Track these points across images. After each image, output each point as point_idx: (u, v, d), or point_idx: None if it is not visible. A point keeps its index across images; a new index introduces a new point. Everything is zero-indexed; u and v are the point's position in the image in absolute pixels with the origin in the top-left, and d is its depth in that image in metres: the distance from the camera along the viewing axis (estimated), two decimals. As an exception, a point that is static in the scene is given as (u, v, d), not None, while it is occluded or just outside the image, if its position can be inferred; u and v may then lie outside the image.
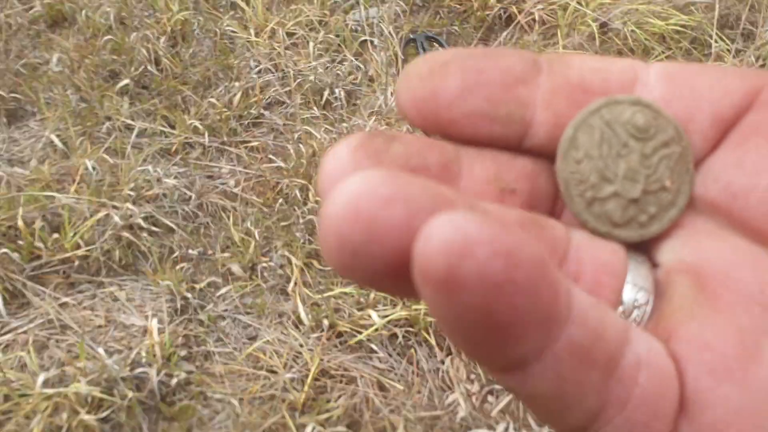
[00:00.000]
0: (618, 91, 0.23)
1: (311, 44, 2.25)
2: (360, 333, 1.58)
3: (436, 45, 2.33)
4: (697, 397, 0.19)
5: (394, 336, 1.60)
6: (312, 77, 2.12)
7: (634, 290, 0.21)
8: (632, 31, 2.24)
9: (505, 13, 2.40)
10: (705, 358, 0.19)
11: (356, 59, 2.23)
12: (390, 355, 1.58)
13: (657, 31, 2.25)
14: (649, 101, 0.23)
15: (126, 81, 2.14)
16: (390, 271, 0.16)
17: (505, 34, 2.30)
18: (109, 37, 2.27)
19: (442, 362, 1.58)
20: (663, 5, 2.30)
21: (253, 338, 1.61)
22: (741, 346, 0.20)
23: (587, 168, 0.22)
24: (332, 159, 0.19)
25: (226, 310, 1.66)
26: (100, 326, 1.63)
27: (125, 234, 1.74)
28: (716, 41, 2.18)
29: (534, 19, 2.34)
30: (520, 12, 2.35)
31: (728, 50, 2.18)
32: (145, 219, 1.79)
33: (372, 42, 2.28)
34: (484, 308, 0.15)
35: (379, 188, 0.15)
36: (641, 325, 0.21)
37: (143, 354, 1.54)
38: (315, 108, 2.07)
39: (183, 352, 1.59)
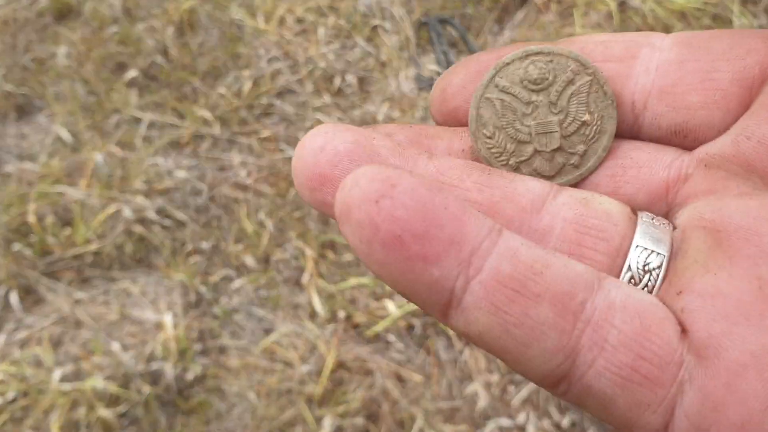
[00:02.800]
0: (620, 58, 0.23)
1: (321, 30, 2.22)
2: (376, 324, 1.56)
3: (450, 28, 2.29)
4: (710, 342, 0.19)
5: (412, 327, 1.58)
6: (323, 64, 2.09)
7: (645, 253, 0.21)
8: (651, 9, 2.18)
9: (518, -7, 2.35)
10: (717, 305, 0.19)
11: (367, 44, 2.20)
12: (407, 347, 1.57)
13: (677, 8, 2.19)
14: (538, 47, 0.23)
15: (134, 72, 2.12)
16: (311, 181, 0.20)
17: (519, 15, 2.25)
18: (116, 28, 2.25)
19: (461, 353, 1.56)
20: (682, -19, 2.24)
21: (268, 331, 1.60)
22: (759, 292, 0.19)
23: (500, 139, 0.22)
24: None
25: (240, 303, 1.65)
26: (114, 321, 1.62)
27: (137, 228, 1.73)
28: (738, 17, 2.13)
29: (549, -1, 2.29)
30: (534, -8, 2.30)
31: (751, 26, 2.12)
32: (156, 212, 1.78)
33: (383, 26, 2.25)
34: (369, 222, 0.17)
35: (315, 130, 0.20)
36: (655, 288, 0.21)
37: (158, 349, 1.54)
38: (326, 95, 2.04)
39: (198, 347, 1.58)
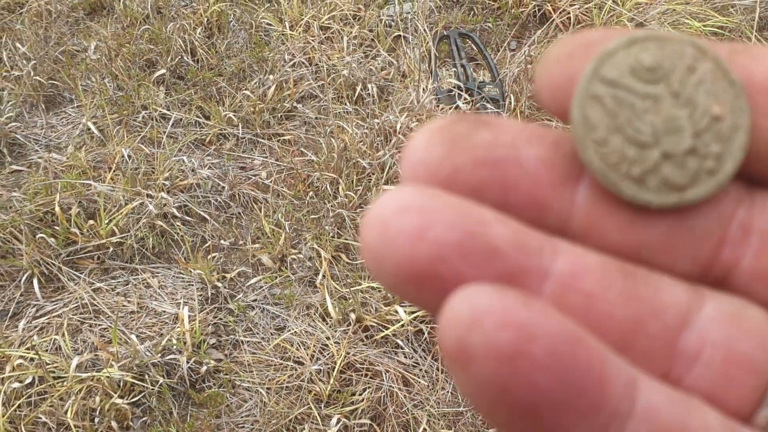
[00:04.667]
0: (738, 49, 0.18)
1: (345, 39, 2.26)
2: (386, 328, 1.60)
3: (470, 42, 2.33)
4: None
5: (420, 332, 1.62)
6: (345, 72, 2.13)
7: None
8: (667, 32, 2.21)
9: (539, 10, 2.38)
10: None
11: (389, 55, 2.24)
12: (415, 351, 1.60)
13: (694, 32, 2.22)
14: (645, 32, 0.19)
15: (162, 71, 2.17)
16: (403, 276, 0.16)
17: (539, 32, 2.28)
18: (146, 26, 2.30)
19: (468, 360, 1.59)
20: (701, 6, 2.27)
21: (281, 329, 1.64)
22: None
23: (617, 144, 0.18)
24: (411, 143, 0.18)
25: (255, 300, 1.69)
26: (132, 312, 1.67)
27: (159, 222, 1.77)
28: (755, 43, 2.15)
29: (569, 18, 2.32)
30: (555, 10, 2.34)
31: None
32: (178, 208, 1.82)
33: (405, 38, 2.29)
34: (498, 383, 0.14)
35: (400, 199, 0.16)
36: None
37: (174, 341, 1.57)
38: (347, 103, 2.08)
39: (212, 340, 1.62)
